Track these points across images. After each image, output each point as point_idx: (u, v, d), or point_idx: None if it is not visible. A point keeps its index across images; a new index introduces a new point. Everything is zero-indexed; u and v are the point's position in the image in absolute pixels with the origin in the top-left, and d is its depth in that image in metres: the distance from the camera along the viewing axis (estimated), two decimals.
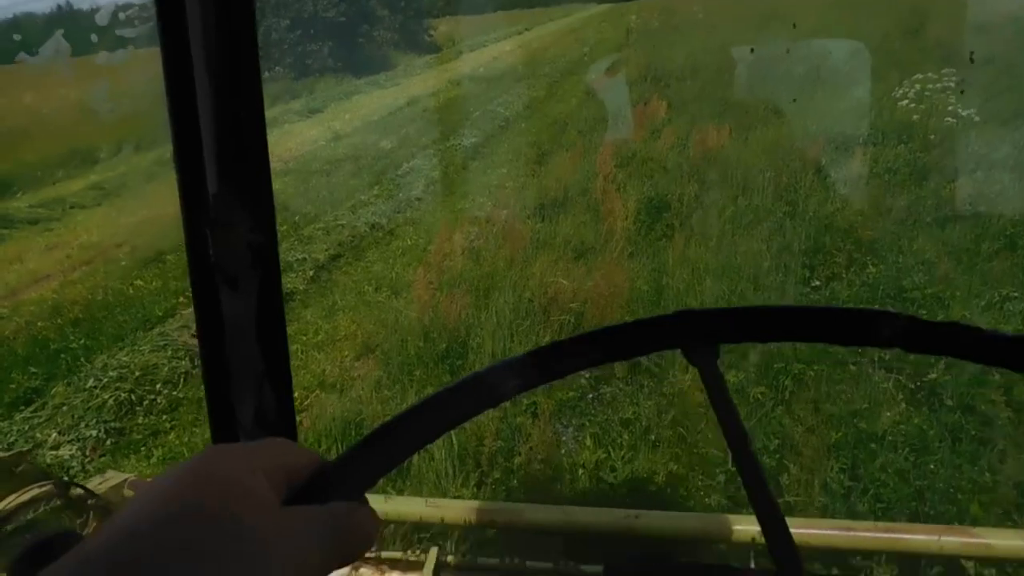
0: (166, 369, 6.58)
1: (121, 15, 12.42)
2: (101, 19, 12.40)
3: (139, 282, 8.72)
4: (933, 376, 4.69)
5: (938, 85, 9.53)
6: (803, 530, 2.14)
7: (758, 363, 4.92)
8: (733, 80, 14.18)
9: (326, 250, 9.11)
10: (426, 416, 0.61)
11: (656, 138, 10.83)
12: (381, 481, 0.58)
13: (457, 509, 2.24)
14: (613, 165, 9.57)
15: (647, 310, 5.63)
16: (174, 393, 6.31)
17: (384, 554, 2.38)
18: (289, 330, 0.86)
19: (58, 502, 2.32)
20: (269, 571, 0.43)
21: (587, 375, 5.06)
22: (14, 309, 8.27)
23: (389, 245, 9.24)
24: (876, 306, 5.54)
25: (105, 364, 6.76)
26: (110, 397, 6.23)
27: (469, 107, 16.82)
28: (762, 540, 0.61)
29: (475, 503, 2.27)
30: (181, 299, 8.09)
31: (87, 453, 5.57)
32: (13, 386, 6.47)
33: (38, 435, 5.79)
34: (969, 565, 2.51)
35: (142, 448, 5.58)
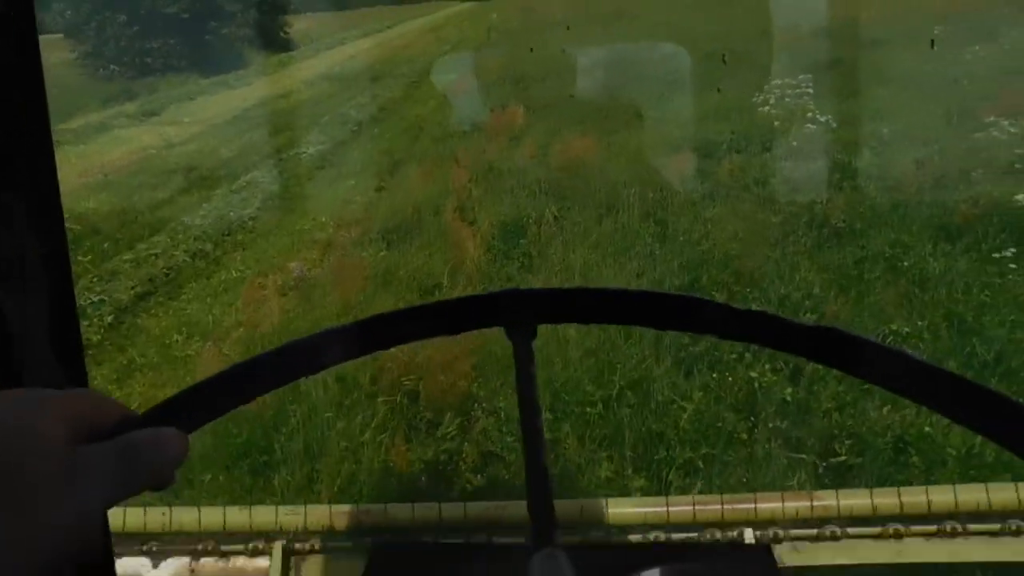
0: None
1: None
2: None
3: None
4: (843, 457, 3.70)
5: (797, 91, 8.80)
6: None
7: (635, 450, 3.79)
8: (592, 82, 13.21)
9: (132, 288, 7.36)
10: (245, 376, 0.61)
11: (515, 146, 9.64)
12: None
13: (318, 515, 1.94)
14: (467, 179, 8.30)
15: (503, 379, 4.38)
16: None
17: (225, 547, 1.97)
18: None
19: None
20: (61, 515, 0.41)
21: None
22: None
23: (211, 278, 7.59)
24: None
25: None
26: None
27: (320, 110, 15.09)
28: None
29: (343, 507, 1.90)
30: None
31: None
32: None
33: None
34: None
35: None
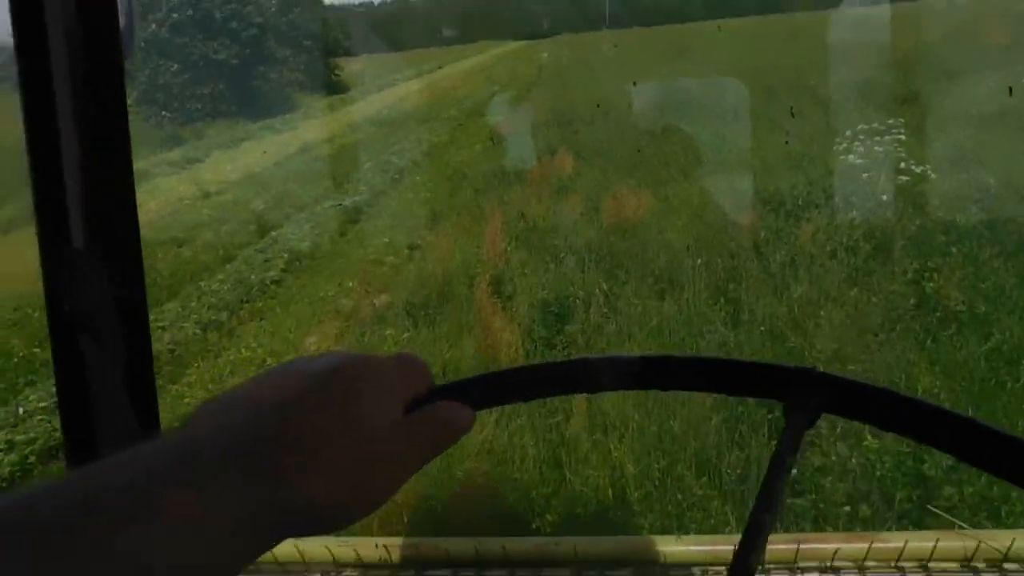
0: None
1: None
2: None
3: None
4: None
5: (886, 138, 7.54)
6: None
7: None
8: (647, 124, 12.14)
9: None
10: (541, 376, 0.64)
11: (561, 199, 8.60)
12: None
13: (370, 547, 1.85)
14: (506, 242, 7.28)
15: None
16: None
17: None
18: None
19: None
20: (387, 468, 0.49)
21: None
22: None
23: (219, 357, 6.70)
24: None
25: None
26: None
27: (363, 156, 14.36)
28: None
29: (394, 540, 1.81)
30: None
31: None
32: None
33: None
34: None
35: None
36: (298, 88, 23.75)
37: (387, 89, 24.69)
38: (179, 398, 6.07)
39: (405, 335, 6.09)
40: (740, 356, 5.15)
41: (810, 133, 8.95)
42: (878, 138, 7.71)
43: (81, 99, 0.65)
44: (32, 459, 5.41)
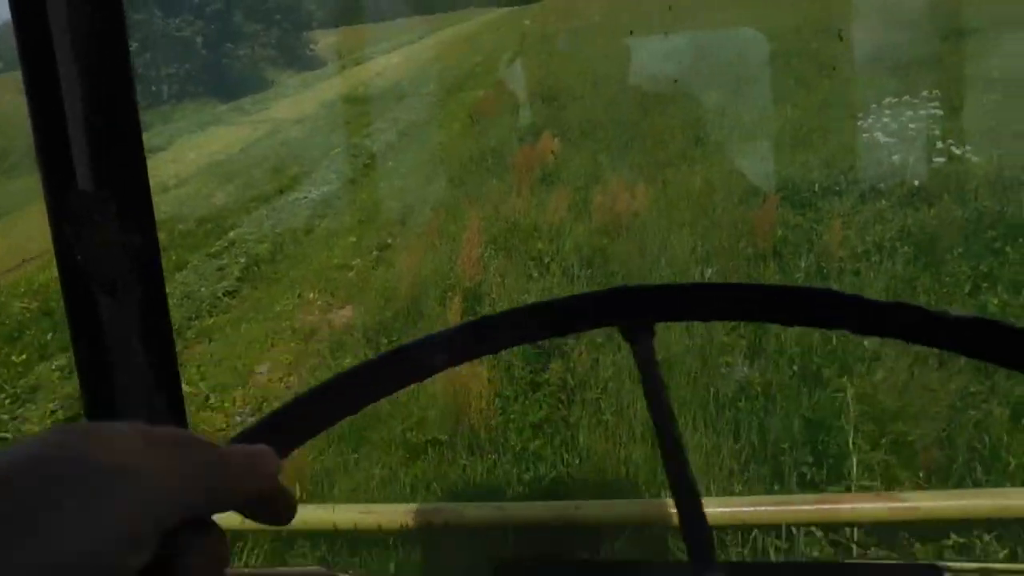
0: None
1: None
2: None
3: None
4: None
5: (920, 112, 6.51)
6: (734, 508, 1.89)
7: None
8: (639, 97, 11.06)
9: (53, 412, 5.55)
10: (348, 389, 0.59)
11: (546, 190, 7.58)
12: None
13: (393, 514, 1.93)
14: (482, 246, 6.28)
15: None
16: None
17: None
18: None
19: None
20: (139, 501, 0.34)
21: None
22: None
23: None
24: None
25: None
26: None
27: (335, 138, 13.25)
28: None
29: (412, 506, 1.89)
30: None
31: None
32: None
33: None
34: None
35: None
36: (270, 65, 22.44)
37: (365, 63, 23.39)
38: None
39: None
40: (765, 416, 4.24)
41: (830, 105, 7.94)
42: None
43: (78, 33, 0.60)
44: None
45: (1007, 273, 4.60)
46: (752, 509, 2.15)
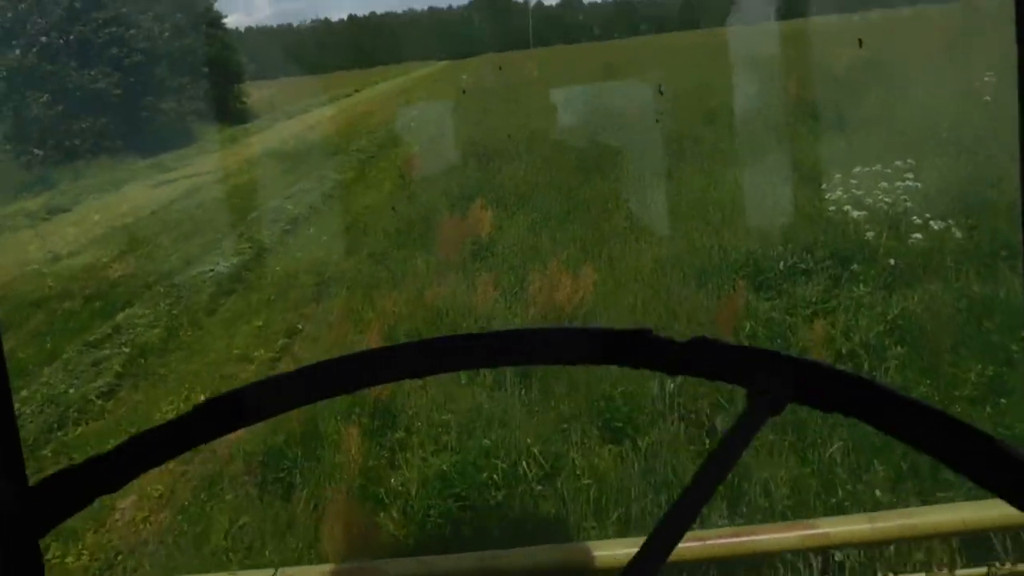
0: None
1: None
2: None
3: None
4: None
5: (895, 184, 5.83)
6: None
7: None
8: (577, 156, 10.33)
9: None
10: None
11: (477, 272, 6.63)
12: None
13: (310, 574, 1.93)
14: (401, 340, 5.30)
15: None
16: None
17: None
18: None
19: None
20: None
21: None
22: None
23: None
24: None
25: None
26: None
27: (256, 200, 12.13)
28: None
29: (329, 566, 1.89)
30: None
31: None
32: None
33: None
34: None
35: None
36: (197, 118, 21.14)
37: (297, 116, 22.37)
38: None
39: (248, 502, 4.04)
40: None
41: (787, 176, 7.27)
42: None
43: None
44: None
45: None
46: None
